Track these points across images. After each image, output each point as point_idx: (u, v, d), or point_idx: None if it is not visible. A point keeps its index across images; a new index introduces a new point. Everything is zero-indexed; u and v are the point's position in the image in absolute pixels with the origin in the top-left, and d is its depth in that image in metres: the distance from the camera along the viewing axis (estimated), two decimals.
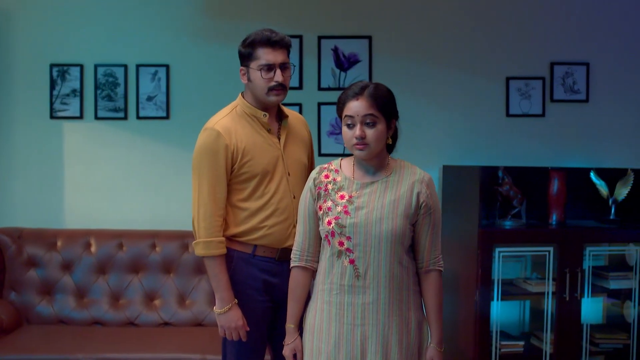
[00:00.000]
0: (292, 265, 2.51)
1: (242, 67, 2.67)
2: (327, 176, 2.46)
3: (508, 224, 3.93)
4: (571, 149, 4.35)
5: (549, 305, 3.83)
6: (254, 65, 2.61)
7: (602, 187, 4.09)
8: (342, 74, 4.28)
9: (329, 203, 2.40)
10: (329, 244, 2.38)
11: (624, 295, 4.06)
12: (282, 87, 2.62)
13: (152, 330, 3.80)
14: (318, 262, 2.48)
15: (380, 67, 4.27)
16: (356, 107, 2.33)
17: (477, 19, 4.31)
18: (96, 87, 4.18)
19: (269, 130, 2.69)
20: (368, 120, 2.33)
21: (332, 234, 2.36)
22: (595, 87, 4.36)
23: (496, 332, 3.79)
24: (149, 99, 4.20)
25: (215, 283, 2.61)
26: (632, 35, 4.36)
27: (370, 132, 2.33)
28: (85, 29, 4.19)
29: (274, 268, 2.67)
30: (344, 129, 2.38)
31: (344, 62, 4.28)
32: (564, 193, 4.02)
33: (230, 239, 2.67)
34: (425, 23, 4.30)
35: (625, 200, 4.06)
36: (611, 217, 4.07)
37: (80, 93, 4.18)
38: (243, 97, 2.72)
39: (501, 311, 3.85)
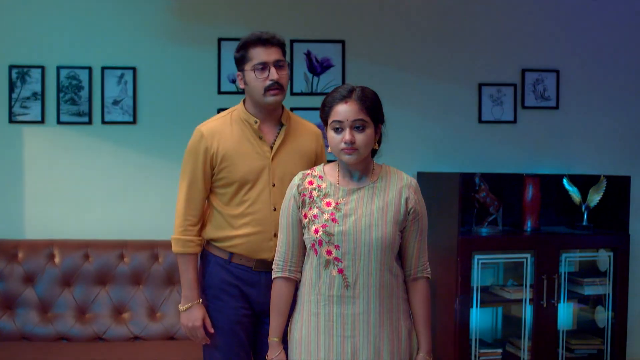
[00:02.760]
0: (274, 276, 2.41)
1: (238, 73, 2.63)
2: (311, 182, 2.37)
3: (485, 231, 3.91)
4: (543, 155, 4.36)
5: (527, 312, 3.82)
6: (248, 66, 2.56)
7: (574, 193, 4.10)
8: (315, 78, 4.20)
9: (315, 210, 2.31)
10: (316, 253, 2.29)
11: (593, 300, 4.08)
12: (278, 86, 2.56)
13: (121, 345, 3.62)
14: (301, 272, 2.39)
15: (354, 72, 4.21)
16: (345, 111, 2.26)
17: (450, 25, 4.30)
18: (59, 90, 4.01)
19: (260, 138, 2.61)
20: (357, 125, 2.26)
21: (320, 243, 2.27)
22: (565, 94, 4.39)
23: (475, 339, 3.76)
24: (115, 102, 4.04)
25: (182, 280, 2.63)
26: (601, 43, 4.41)
27: (359, 137, 2.26)
28: (47, 28, 4.01)
29: (250, 277, 2.60)
30: (331, 133, 2.29)
31: (316, 67, 4.20)
32: (539, 199, 4.03)
33: (208, 242, 2.66)
34: (399, 29, 4.26)
35: (596, 206, 4.08)
36: (584, 223, 4.09)
37: (41, 96, 4.00)
38: (243, 104, 2.67)
39: (479, 319, 3.83)
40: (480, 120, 4.33)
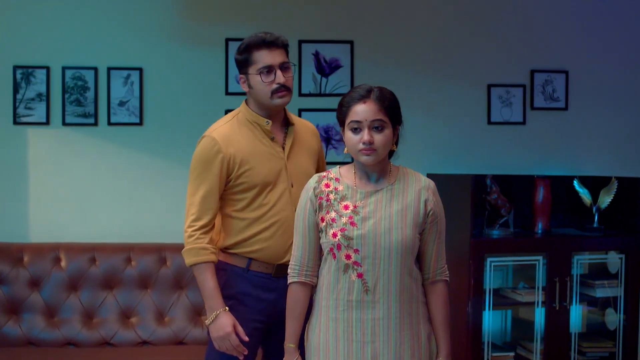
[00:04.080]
0: (290, 280, 2.36)
1: (240, 75, 2.54)
2: (327, 185, 2.32)
3: (496, 233, 3.87)
4: (552, 156, 4.33)
5: (540, 314, 3.78)
6: (252, 70, 2.49)
7: (585, 195, 4.06)
8: (324, 79, 4.16)
9: (333, 214, 2.26)
10: (334, 257, 2.24)
11: (602, 303, 4.04)
12: (285, 89, 2.50)
13: (129, 350, 3.58)
14: (318, 276, 2.34)
15: (362, 72, 4.17)
16: (363, 111, 2.22)
17: (459, 25, 4.27)
18: (64, 91, 3.95)
19: (272, 139, 2.55)
20: (376, 125, 2.22)
21: (338, 247, 2.23)
22: (575, 95, 4.36)
23: (488, 342, 3.72)
24: (121, 104, 3.99)
25: (202, 292, 2.49)
26: (610, 43, 4.37)
27: (378, 137, 2.22)
28: (52, 28, 3.96)
29: (269, 284, 2.53)
30: (349, 134, 2.25)
31: (325, 68, 4.16)
32: (549, 201, 3.99)
33: (224, 251, 2.56)
34: (408, 29, 4.22)
35: (607, 208, 4.04)
36: (594, 225, 4.05)
37: (46, 97, 3.94)
38: (246, 104, 2.59)
39: (491, 321, 3.79)
40: (489, 122, 4.29)
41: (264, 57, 2.47)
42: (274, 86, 2.47)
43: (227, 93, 4.07)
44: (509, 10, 4.29)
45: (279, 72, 2.47)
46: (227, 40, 4.05)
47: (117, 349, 3.61)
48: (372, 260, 2.20)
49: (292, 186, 2.53)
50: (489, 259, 3.69)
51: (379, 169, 2.29)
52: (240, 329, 2.45)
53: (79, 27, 3.97)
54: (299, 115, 4.04)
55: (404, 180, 2.31)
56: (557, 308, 3.75)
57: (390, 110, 2.24)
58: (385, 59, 4.20)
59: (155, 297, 3.76)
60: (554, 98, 4.31)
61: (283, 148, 2.56)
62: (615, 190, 4.00)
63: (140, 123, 4.02)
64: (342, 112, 2.27)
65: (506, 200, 3.91)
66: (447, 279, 2.35)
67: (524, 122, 4.31)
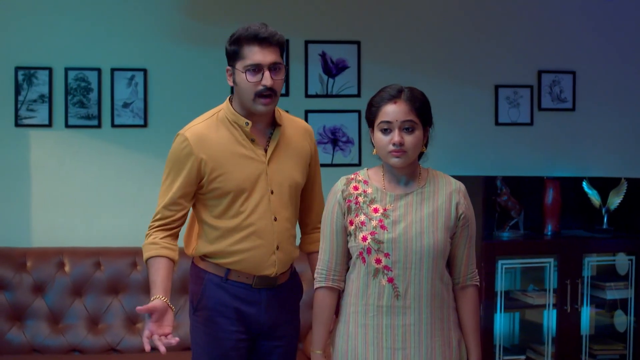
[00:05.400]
0: (317, 286, 2.30)
1: (228, 68, 2.33)
2: (356, 188, 2.27)
3: (506, 235, 3.84)
4: (561, 157, 4.30)
5: (552, 317, 3.75)
6: (239, 65, 2.26)
7: (594, 196, 4.05)
8: (330, 80, 4.10)
9: (362, 217, 2.21)
10: (364, 261, 2.19)
11: (610, 305, 4.02)
12: (271, 93, 2.27)
13: (135, 356, 3.49)
14: (345, 281, 2.29)
15: (369, 73, 4.12)
16: (394, 111, 2.16)
17: (467, 26, 4.23)
18: (67, 93, 3.87)
19: (252, 141, 2.35)
20: (407, 126, 2.16)
21: (368, 251, 2.17)
22: (582, 95, 4.34)
23: (499, 345, 3.69)
24: (125, 105, 3.92)
25: (150, 288, 2.27)
26: (617, 44, 4.35)
27: (408, 139, 2.16)
28: (54, 28, 3.87)
29: (249, 296, 2.36)
30: (379, 135, 2.19)
31: (332, 68, 4.10)
32: (559, 202, 3.97)
33: (202, 259, 2.41)
34: (414, 30, 4.18)
35: (616, 209, 4.03)
36: (604, 226, 4.03)
37: (49, 99, 3.86)
38: (230, 102, 2.39)
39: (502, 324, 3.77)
40: (497, 123, 4.26)
41: (254, 54, 2.24)
42: (259, 88, 2.25)
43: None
44: (516, 11, 4.27)
45: (267, 73, 2.24)
46: None
47: (124, 355, 3.54)
48: (403, 264, 2.15)
49: (271, 193, 2.36)
50: (500, 262, 3.66)
51: (408, 172, 2.24)
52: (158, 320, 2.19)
53: (82, 27, 3.89)
54: (305, 117, 3.99)
55: (434, 183, 2.26)
56: (569, 310, 3.73)
57: (421, 110, 2.19)
58: (392, 59, 4.15)
59: None
60: (562, 99, 4.29)
61: (265, 151, 2.38)
62: (624, 191, 3.98)
63: (145, 125, 3.94)
64: (371, 112, 2.22)
65: (516, 202, 3.88)
66: (478, 283, 2.31)
67: (531, 123, 4.28)
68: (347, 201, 2.24)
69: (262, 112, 2.31)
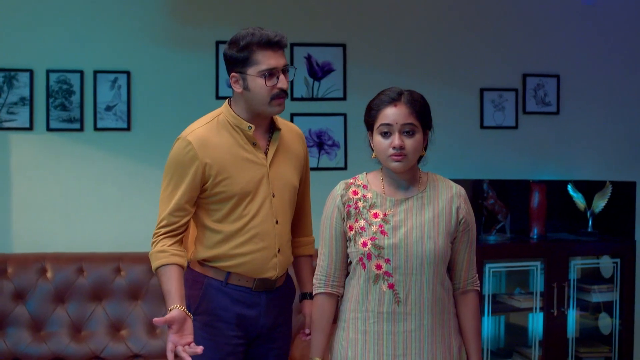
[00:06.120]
0: (316, 292, 2.27)
1: (234, 74, 2.30)
2: (355, 192, 2.24)
3: (492, 238, 3.84)
4: (545, 161, 4.31)
5: (538, 320, 3.76)
6: (252, 71, 2.26)
7: (579, 199, 4.07)
8: (316, 83, 4.07)
9: (362, 222, 2.18)
10: (364, 267, 2.16)
11: (593, 307, 4.04)
12: (285, 95, 2.32)
13: None
14: (344, 287, 2.26)
15: (355, 76, 4.10)
16: (394, 114, 2.14)
17: (452, 30, 4.23)
18: (48, 95, 3.79)
19: (254, 145, 2.36)
20: (407, 129, 2.14)
21: (369, 257, 2.14)
22: (566, 99, 4.36)
23: (486, 349, 3.69)
24: (108, 108, 3.84)
25: (165, 296, 2.23)
26: (600, 47, 4.38)
27: (409, 142, 2.14)
28: (36, 30, 3.79)
29: (249, 299, 2.36)
30: (378, 138, 2.16)
31: (317, 71, 4.07)
32: (545, 206, 3.98)
33: (201, 263, 2.38)
34: (400, 33, 4.17)
35: (601, 212, 4.05)
36: (589, 229, 4.06)
37: (30, 101, 3.77)
38: (230, 106, 2.38)
39: (489, 328, 3.76)
40: (482, 126, 4.26)
41: (268, 59, 2.26)
42: (275, 91, 2.28)
43: (218, 97, 3.96)
44: (501, 15, 4.27)
45: (282, 77, 2.29)
46: (218, 42, 3.94)
47: None
48: (403, 270, 2.12)
49: (273, 196, 2.37)
50: (487, 265, 3.66)
51: (408, 176, 2.22)
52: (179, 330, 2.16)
53: (64, 28, 3.81)
54: (291, 120, 3.95)
55: (434, 187, 2.24)
56: (555, 314, 3.74)
57: (422, 113, 2.18)
58: (378, 62, 4.13)
59: (147, 308, 3.61)
60: (546, 102, 4.31)
61: (266, 154, 2.38)
62: (609, 194, 4.00)
63: (128, 128, 3.87)
64: (370, 115, 2.19)
65: (503, 205, 3.89)
66: (478, 288, 2.29)
67: (516, 127, 4.29)
68: (346, 206, 2.22)
69: (276, 114, 2.35)
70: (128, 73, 3.86)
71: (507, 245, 3.79)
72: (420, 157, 2.26)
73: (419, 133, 2.16)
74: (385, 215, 2.17)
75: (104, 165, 3.85)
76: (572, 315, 3.86)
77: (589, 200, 4.06)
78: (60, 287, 3.57)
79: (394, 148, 2.13)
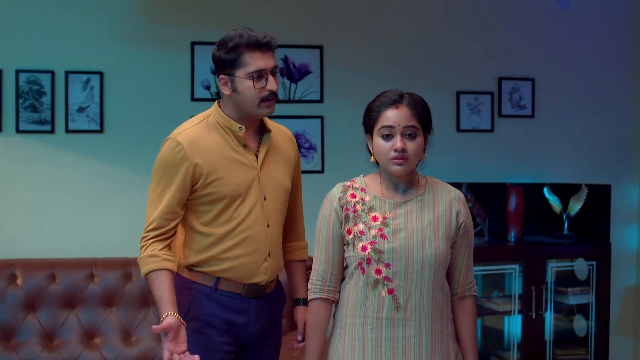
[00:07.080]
0: (311, 297, 2.22)
1: (222, 77, 2.26)
2: (353, 195, 2.19)
3: None
4: (522, 164, 4.34)
5: (515, 323, 3.78)
6: (241, 73, 2.22)
7: (555, 202, 4.10)
8: (293, 85, 4.02)
9: (361, 226, 2.13)
10: (363, 272, 2.11)
11: (567, 309, 4.08)
12: (274, 96, 2.28)
13: None
14: (339, 292, 2.21)
15: (332, 78, 4.06)
16: (396, 116, 2.10)
17: (429, 32, 4.22)
18: (18, 96, 3.65)
19: (244, 146, 2.31)
20: (409, 132, 2.11)
21: (368, 261, 2.10)
22: (540, 102, 4.39)
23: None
24: (80, 109, 3.73)
25: (156, 302, 2.17)
26: (575, 51, 4.43)
27: (410, 145, 2.11)
28: (4, 28, 3.65)
29: (239, 305, 2.32)
30: (378, 140, 2.12)
31: (294, 73, 4.02)
32: (522, 209, 4.00)
33: (189, 268, 2.33)
34: (377, 35, 4.14)
35: (577, 215, 4.09)
36: (565, 232, 4.09)
37: None
38: (219, 107, 2.33)
39: None
40: (458, 129, 4.26)
41: (257, 60, 2.22)
42: (265, 93, 2.24)
43: (193, 99, 3.88)
44: (477, 19, 4.29)
45: (271, 78, 2.25)
46: (193, 43, 3.86)
47: None
48: (404, 275, 2.08)
49: (264, 199, 2.33)
50: None
51: (407, 179, 2.18)
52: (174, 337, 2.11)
53: (34, 27, 3.67)
54: None
55: (433, 191, 2.21)
56: (534, 317, 3.76)
57: (423, 116, 2.15)
58: (355, 64, 4.10)
59: (121, 315, 3.52)
60: (521, 105, 4.33)
61: (256, 156, 2.35)
62: (585, 197, 4.04)
63: (101, 130, 3.76)
64: (370, 117, 2.14)
65: (481, 209, 3.89)
66: (476, 294, 2.26)
67: (492, 130, 4.31)
68: (344, 209, 2.17)
69: (265, 116, 2.32)
70: (101, 74, 3.75)
71: (486, 249, 3.79)
72: (419, 160, 2.21)
73: (420, 136, 2.13)
74: (384, 218, 2.13)
75: (75, 168, 3.73)
76: (549, 318, 3.88)
77: (564, 203, 4.10)
78: (31, 294, 3.45)
79: (395, 151, 2.09)
